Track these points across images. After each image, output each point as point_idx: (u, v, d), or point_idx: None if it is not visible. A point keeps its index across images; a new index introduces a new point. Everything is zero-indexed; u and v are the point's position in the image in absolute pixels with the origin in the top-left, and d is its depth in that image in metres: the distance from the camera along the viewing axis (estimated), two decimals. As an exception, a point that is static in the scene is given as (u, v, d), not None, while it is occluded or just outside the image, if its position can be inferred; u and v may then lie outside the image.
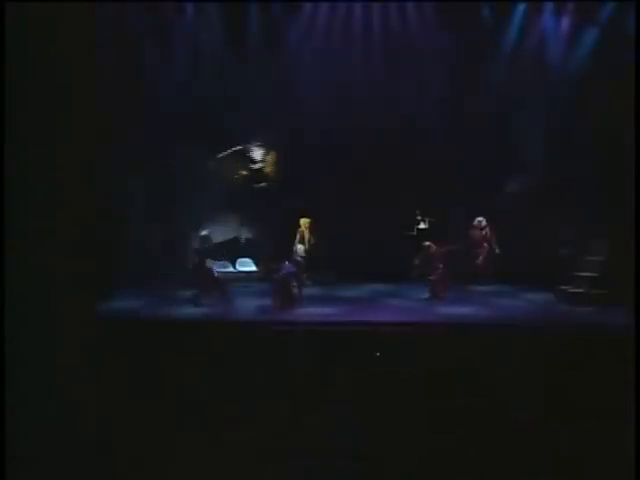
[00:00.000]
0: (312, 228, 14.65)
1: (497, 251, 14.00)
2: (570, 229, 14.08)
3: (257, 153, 15.89)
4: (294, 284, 12.55)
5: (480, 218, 14.23)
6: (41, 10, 10.88)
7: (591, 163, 14.08)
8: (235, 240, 15.48)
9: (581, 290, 12.61)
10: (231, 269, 15.07)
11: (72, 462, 5.68)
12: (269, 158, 15.96)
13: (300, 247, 14.57)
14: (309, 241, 14.58)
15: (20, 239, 9.01)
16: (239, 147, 15.74)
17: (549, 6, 14.96)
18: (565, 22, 14.93)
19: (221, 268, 14.85)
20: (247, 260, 15.28)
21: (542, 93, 14.92)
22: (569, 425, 6.13)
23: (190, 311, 11.86)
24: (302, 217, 14.68)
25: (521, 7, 15.00)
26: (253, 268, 15.24)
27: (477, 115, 14.96)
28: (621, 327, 9.81)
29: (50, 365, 7.36)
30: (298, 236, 14.61)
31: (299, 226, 14.67)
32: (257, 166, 15.89)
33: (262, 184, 15.81)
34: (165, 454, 5.80)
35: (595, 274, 12.72)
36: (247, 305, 12.59)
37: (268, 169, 15.97)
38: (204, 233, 12.89)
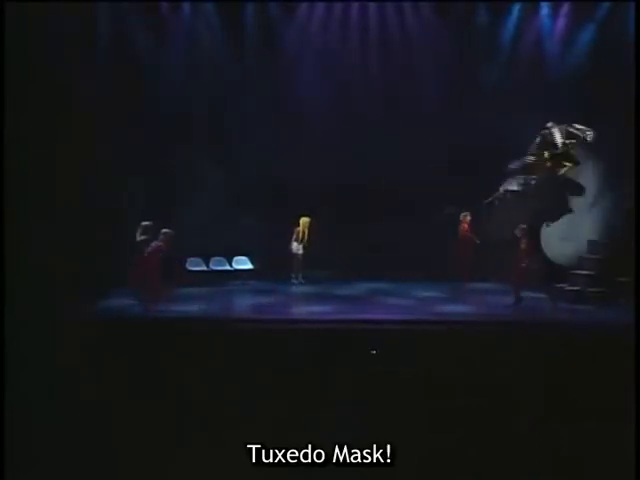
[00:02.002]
0: (311, 228, 14.70)
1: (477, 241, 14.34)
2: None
3: (558, 135, 13.53)
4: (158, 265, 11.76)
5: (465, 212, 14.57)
6: (41, 10, 10.90)
7: (590, 162, 14.09)
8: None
9: (578, 288, 12.61)
10: (227, 267, 15.07)
11: (72, 462, 5.68)
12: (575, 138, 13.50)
13: (295, 245, 14.64)
14: (306, 240, 14.67)
15: (20, 239, 9.02)
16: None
17: (546, 5, 14.99)
18: (561, 21, 14.97)
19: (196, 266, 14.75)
20: (243, 258, 15.27)
21: (541, 92, 14.92)
22: (569, 425, 6.13)
23: (189, 309, 11.86)
24: (302, 216, 14.72)
25: (517, 7, 15.04)
26: (249, 266, 15.23)
27: (475, 114, 14.97)
28: (619, 325, 9.82)
29: (50, 365, 7.35)
30: (295, 235, 14.71)
31: (298, 225, 14.73)
32: (560, 150, 13.61)
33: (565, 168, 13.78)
34: (165, 454, 5.80)
35: (592, 272, 12.72)
36: (244, 303, 12.64)
37: (573, 151, 13.59)
38: (145, 223, 12.27)
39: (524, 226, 12.66)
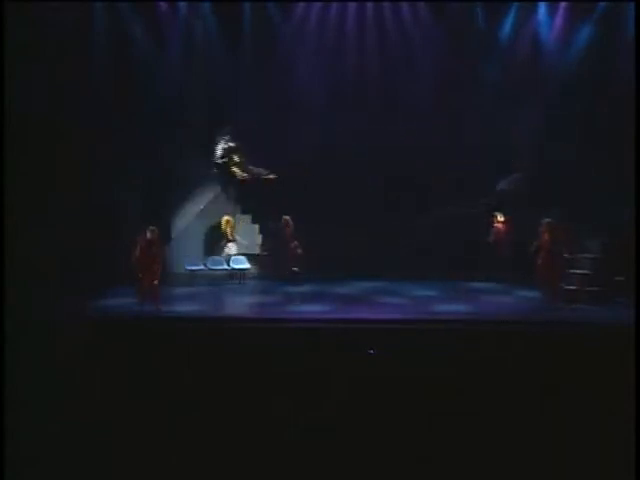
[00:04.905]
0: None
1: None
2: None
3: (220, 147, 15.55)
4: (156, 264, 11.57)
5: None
6: (41, 10, 10.92)
7: (587, 161, 14.13)
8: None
9: (575, 287, 12.62)
10: (225, 266, 15.06)
11: (72, 462, 5.69)
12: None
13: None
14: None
15: (20, 239, 9.03)
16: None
17: (544, 5, 15.04)
18: (559, 20, 15.02)
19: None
20: (241, 257, 15.26)
21: (539, 92, 14.97)
22: (568, 425, 6.14)
23: (187, 309, 11.87)
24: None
25: (515, 7, 15.09)
26: (247, 265, 15.22)
27: (473, 114, 15.01)
28: (618, 325, 9.84)
29: (50, 365, 7.36)
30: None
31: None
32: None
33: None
34: (164, 454, 5.81)
35: (588, 272, 12.74)
36: (242, 302, 12.66)
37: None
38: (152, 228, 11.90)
39: None
